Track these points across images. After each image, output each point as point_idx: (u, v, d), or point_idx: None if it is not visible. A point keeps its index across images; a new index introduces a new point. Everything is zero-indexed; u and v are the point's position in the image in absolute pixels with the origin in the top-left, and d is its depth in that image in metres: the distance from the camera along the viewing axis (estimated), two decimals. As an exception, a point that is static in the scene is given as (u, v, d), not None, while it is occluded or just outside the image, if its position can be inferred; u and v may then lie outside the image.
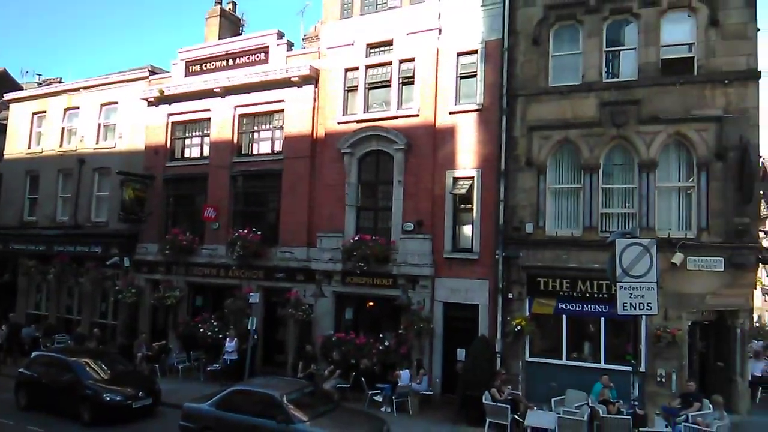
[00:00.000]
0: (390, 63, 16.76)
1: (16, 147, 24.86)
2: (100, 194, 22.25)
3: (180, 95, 20.28)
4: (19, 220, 24.14)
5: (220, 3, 22.53)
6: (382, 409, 14.21)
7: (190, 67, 20.62)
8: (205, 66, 20.28)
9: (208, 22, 22.37)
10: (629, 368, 12.45)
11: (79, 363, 14.31)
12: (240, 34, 22.44)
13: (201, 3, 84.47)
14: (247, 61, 19.40)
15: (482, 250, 15.22)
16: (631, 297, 8.50)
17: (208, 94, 19.59)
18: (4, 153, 25.22)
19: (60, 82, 27.24)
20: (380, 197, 16.95)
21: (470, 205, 15.58)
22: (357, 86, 17.24)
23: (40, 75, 30.52)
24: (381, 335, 16.04)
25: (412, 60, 16.42)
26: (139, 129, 21.33)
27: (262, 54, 19.14)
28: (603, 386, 12.97)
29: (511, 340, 14.46)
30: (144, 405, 13.72)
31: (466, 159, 15.68)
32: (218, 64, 20.00)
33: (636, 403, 8.90)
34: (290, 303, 16.88)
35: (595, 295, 13.94)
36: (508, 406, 12.62)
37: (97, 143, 22.47)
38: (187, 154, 20.87)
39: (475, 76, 15.75)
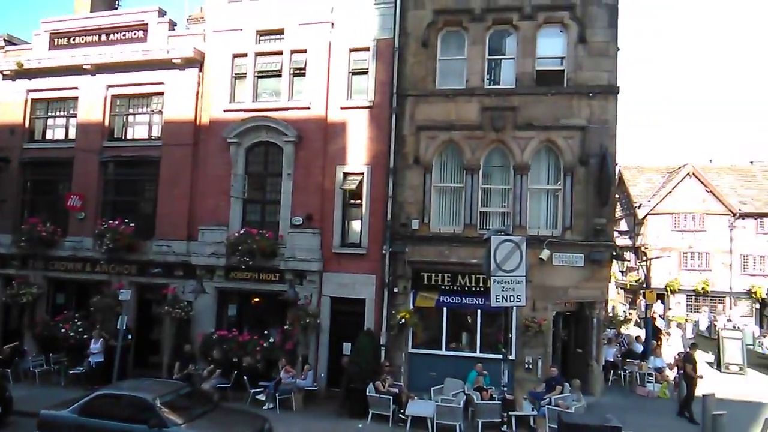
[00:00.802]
0: (281, 52, 16.37)
1: None
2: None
3: (42, 70, 18.20)
4: None
5: (93, -29, 20.50)
6: (265, 407, 13.89)
7: (56, 40, 18.55)
8: (74, 40, 18.37)
9: (77, -7, 20.29)
10: (501, 356, 13.37)
11: None
12: (116, 8, 20.62)
13: (71, -31, 76.20)
14: (124, 38, 17.87)
15: (370, 246, 15.44)
16: (503, 290, 9.12)
17: (76, 70, 17.76)
18: None
19: None
20: (268, 190, 16.51)
21: (360, 201, 15.73)
22: (245, 74, 16.61)
23: None
24: (266, 332, 15.67)
25: (304, 51, 16.17)
26: (-11, 105, 18.80)
27: (141, 32, 17.74)
28: (477, 374, 13.82)
29: (396, 333, 14.85)
30: (-10, 416, 12.14)
31: (357, 155, 15.80)
32: (89, 39, 18.19)
33: (505, 388, 9.56)
34: (167, 300, 15.89)
35: (473, 289, 14.77)
36: (391, 398, 12.94)
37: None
38: (49, 135, 18.81)
39: (367, 73, 15.90)
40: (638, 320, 26.41)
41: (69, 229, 17.52)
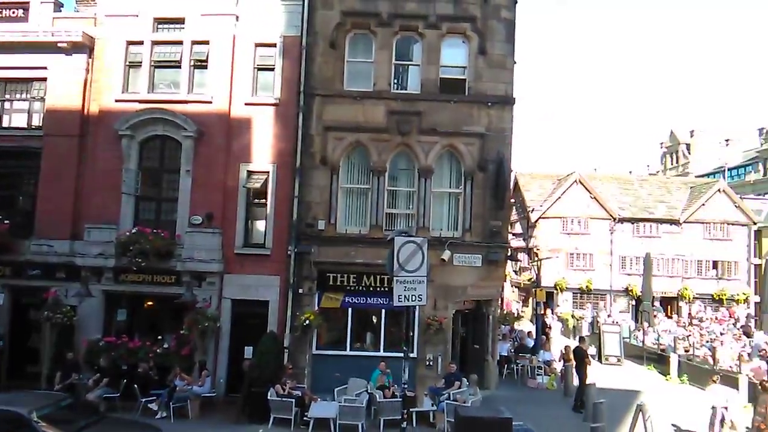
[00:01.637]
0: (181, 42, 15.57)
1: None
2: None
3: None
4: None
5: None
6: (158, 417, 13.15)
7: None
8: (-59, 15, 16.23)
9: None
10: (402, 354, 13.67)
11: None
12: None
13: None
14: (1, 16, 16.12)
15: (275, 246, 15.13)
16: (405, 289, 9.33)
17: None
18: None
19: None
20: (165, 187, 15.67)
21: (264, 200, 15.38)
22: (141, 63, 15.61)
23: None
24: (160, 337, 14.82)
25: (206, 43, 15.49)
26: None
27: (21, 10, 16.09)
28: (381, 373, 14.01)
29: (300, 335, 14.67)
30: None
31: (262, 153, 15.42)
32: (-43, 14, 16.18)
33: (406, 386, 9.79)
34: (47, 304, 14.49)
35: (378, 289, 14.96)
36: (293, 400, 12.76)
37: None
38: None
39: (273, 69, 15.57)
40: (530, 317, 28.19)
41: (-74, 226, 15.46)
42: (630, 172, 53.24)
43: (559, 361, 18.35)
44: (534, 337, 21.43)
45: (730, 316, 30.11)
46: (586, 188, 34.22)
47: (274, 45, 15.55)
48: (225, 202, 15.16)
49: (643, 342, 22.88)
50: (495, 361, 17.14)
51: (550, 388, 17.49)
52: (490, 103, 15.46)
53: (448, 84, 15.71)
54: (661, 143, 70.74)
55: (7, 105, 16.26)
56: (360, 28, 15.63)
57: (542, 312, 24.86)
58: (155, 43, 15.70)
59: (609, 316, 28.62)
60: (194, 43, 15.55)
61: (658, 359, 20.84)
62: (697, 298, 33.04)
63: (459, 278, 15.20)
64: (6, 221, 15.07)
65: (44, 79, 15.82)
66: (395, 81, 15.90)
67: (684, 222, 33.56)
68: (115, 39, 15.65)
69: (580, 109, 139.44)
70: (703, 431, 12.46)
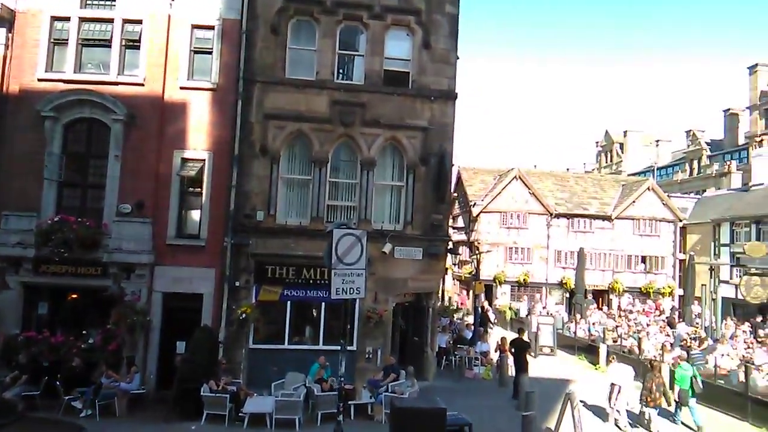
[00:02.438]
0: (112, 20, 14.70)
1: None
2: None
3: None
4: None
5: None
6: (82, 415, 12.47)
7: None
8: None
9: None
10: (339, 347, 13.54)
11: None
12: None
13: None
14: None
15: (210, 237, 14.62)
16: (343, 282, 9.21)
17: None
18: None
19: None
20: (92, 173, 14.80)
21: (200, 189, 14.83)
22: (67, 40, 14.62)
23: None
24: (85, 332, 14.03)
25: (139, 22, 14.70)
26: None
27: (-73, -24, 14.67)
28: (320, 366, 13.86)
29: (236, 329, 14.27)
30: None
31: (198, 139, 14.83)
32: None
33: (342, 379, 9.69)
34: (-44, 298, 13.42)
35: (318, 281, 14.74)
36: (227, 396, 12.41)
37: None
38: None
39: (210, 53, 14.98)
40: (469, 309, 28.78)
41: None
42: (567, 169, 55.37)
43: (495, 351, 18.79)
44: (473, 328, 21.86)
45: (657, 309, 31.88)
46: (525, 184, 35.18)
47: (212, 27, 14.95)
48: (157, 190, 14.48)
49: (575, 333, 23.83)
50: (434, 352, 17.36)
51: (486, 378, 17.91)
52: (433, 97, 15.51)
53: (392, 76, 15.63)
54: (597, 142, 73.93)
55: None
56: (303, 14, 15.27)
57: (481, 304, 25.41)
58: (83, 19, 14.75)
59: (544, 308, 29.63)
60: (126, 21, 14.73)
61: (589, 349, 21.75)
62: (626, 291, 34.72)
63: (400, 271, 15.23)
64: None
65: (-45, 53, 14.55)
66: (340, 71, 15.67)
67: (615, 218, 35.15)
68: (38, 13, 14.58)
69: (523, 107, 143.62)
70: (604, 404, 13.81)
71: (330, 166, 15.30)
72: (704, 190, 43.27)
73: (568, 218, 35.23)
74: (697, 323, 23.86)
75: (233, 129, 14.72)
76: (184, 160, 14.72)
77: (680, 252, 35.26)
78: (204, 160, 14.73)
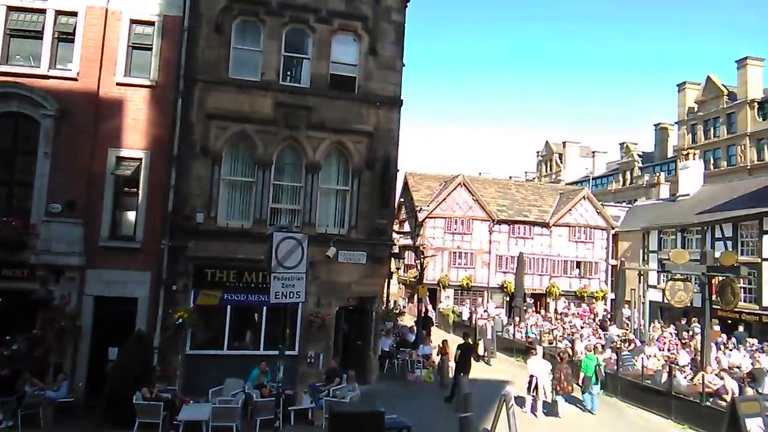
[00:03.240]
0: (44, 11, 13.99)
1: None
2: None
3: None
4: None
5: None
6: (2, 426, 11.74)
7: None
8: None
9: None
10: (286, 353, 13.37)
11: None
12: None
13: None
14: None
15: (146, 239, 14.14)
16: (283, 286, 9.14)
17: None
18: None
19: None
20: (19, 170, 14.00)
21: (136, 189, 14.33)
22: (-7, 29, 13.82)
23: None
24: (8, 337, 13.21)
25: (73, 14, 14.08)
26: None
27: None
28: (260, 372, 13.63)
29: (172, 334, 13.85)
30: None
31: (135, 138, 14.33)
32: None
33: (281, 384, 9.60)
34: None
35: (260, 285, 14.52)
36: (161, 404, 11.99)
37: None
38: None
39: (150, 49, 14.53)
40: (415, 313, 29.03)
41: None
42: (510, 177, 57.14)
43: (437, 355, 19.09)
44: (415, 332, 22.10)
45: (590, 312, 33.31)
46: (469, 191, 35.96)
47: (153, 23, 14.52)
48: (90, 189, 13.88)
49: (513, 336, 24.53)
50: (377, 356, 17.44)
51: (428, 381, 18.15)
52: (378, 103, 15.66)
53: (338, 81, 15.67)
54: (538, 152, 76.65)
55: None
56: (248, 14, 15.07)
57: (425, 308, 25.73)
58: (11, 9, 14.01)
59: (485, 311, 30.31)
60: (59, 13, 14.09)
61: (526, 351, 22.41)
62: (563, 294, 36.09)
63: (344, 275, 15.24)
64: None
65: None
66: (289, 73, 15.57)
67: (553, 225, 36.52)
68: (-41, -2, 13.68)
69: (472, 116, 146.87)
70: (523, 393, 15.12)
71: (274, 169, 15.15)
72: (635, 200, 45.69)
73: (509, 224, 36.27)
74: (627, 326, 25.11)
75: (173, 128, 14.32)
76: (120, 159, 14.17)
77: (612, 258, 37.00)
78: (141, 159, 14.25)
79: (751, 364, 16.93)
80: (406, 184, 38.64)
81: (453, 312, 31.43)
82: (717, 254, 17.81)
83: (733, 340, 21.86)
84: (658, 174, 45.30)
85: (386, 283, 20.38)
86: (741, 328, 23.85)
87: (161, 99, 14.39)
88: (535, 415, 14.56)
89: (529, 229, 36.56)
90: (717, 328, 22.98)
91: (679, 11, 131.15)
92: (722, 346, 20.36)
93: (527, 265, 33.42)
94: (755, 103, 42.28)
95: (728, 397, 12.83)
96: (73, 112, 13.84)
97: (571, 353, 17.62)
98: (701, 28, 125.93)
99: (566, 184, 57.53)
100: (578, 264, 36.97)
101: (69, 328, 13.19)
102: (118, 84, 14.26)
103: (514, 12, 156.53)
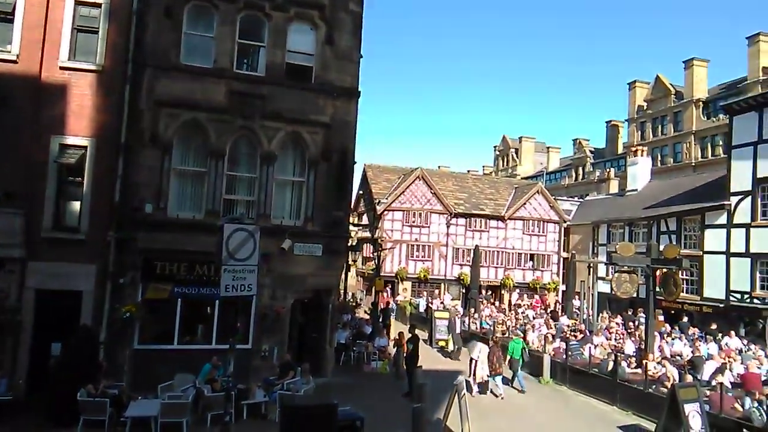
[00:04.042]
0: (-21, -12, 13.17)
1: None
2: None
3: None
4: None
5: None
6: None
7: None
8: None
9: None
10: (239, 346, 13.17)
11: None
12: None
13: None
14: None
15: (92, 230, 13.57)
16: (234, 279, 8.96)
17: None
18: None
19: None
20: (-48, 157, 13.13)
21: (80, 179, 13.71)
22: None
23: None
24: (-60, 334, 12.48)
25: (12, -7, 13.29)
26: None
27: None
28: (212, 366, 13.35)
29: (119, 329, 13.40)
30: None
31: (80, 125, 13.69)
32: None
33: (230, 378, 9.43)
34: None
35: (213, 278, 14.09)
36: (107, 401, 11.59)
37: None
38: None
39: (97, 32, 13.88)
40: (370, 305, 29.13)
41: None
42: (468, 171, 57.84)
43: (393, 347, 19.21)
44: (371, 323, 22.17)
45: (543, 303, 34.24)
46: (427, 184, 36.24)
47: (99, 5, 13.86)
48: (31, 178, 13.17)
49: (468, 326, 24.95)
50: (332, 349, 17.39)
51: (383, 372, 18.26)
52: (335, 94, 15.52)
53: (295, 70, 15.42)
54: (495, 146, 77.94)
55: None
56: (201, -1, 14.62)
57: (386, 300, 25.85)
58: (-59, -17, 13.07)
59: (442, 303, 30.70)
60: (-4, -10, 13.25)
61: (481, 341, 22.83)
62: (517, 286, 36.95)
63: (299, 267, 15.09)
64: None
65: None
66: (244, 61, 15.22)
67: (508, 218, 37.28)
68: None
69: (432, 108, 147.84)
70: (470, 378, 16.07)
71: (228, 159, 14.81)
72: (587, 195, 47.13)
73: (466, 218, 36.78)
74: (577, 316, 25.94)
75: (120, 115, 13.76)
76: (63, 147, 13.52)
77: (564, 251, 38.09)
78: (86, 147, 13.63)
79: (692, 352, 17.80)
80: (365, 176, 38.58)
81: (410, 304, 31.67)
82: (661, 247, 18.59)
83: (677, 329, 22.90)
84: (608, 170, 46.86)
85: (344, 276, 20.41)
86: (685, 319, 25.02)
87: (108, 85, 13.79)
88: (480, 395, 15.82)
89: (485, 222, 37.19)
90: (661, 318, 24.05)
91: (630, 12, 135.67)
92: (665, 336, 21.31)
93: (483, 258, 34.02)
94: (701, 103, 44.25)
95: (669, 384, 13.44)
96: (12, 97, 13.07)
97: (500, 337, 19.06)
98: (652, 29, 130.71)
99: (522, 178, 58.75)
100: (532, 256, 37.89)
101: (8, 322, 12.57)
102: (61, 68, 13.56)
103: (474, 2, 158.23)
